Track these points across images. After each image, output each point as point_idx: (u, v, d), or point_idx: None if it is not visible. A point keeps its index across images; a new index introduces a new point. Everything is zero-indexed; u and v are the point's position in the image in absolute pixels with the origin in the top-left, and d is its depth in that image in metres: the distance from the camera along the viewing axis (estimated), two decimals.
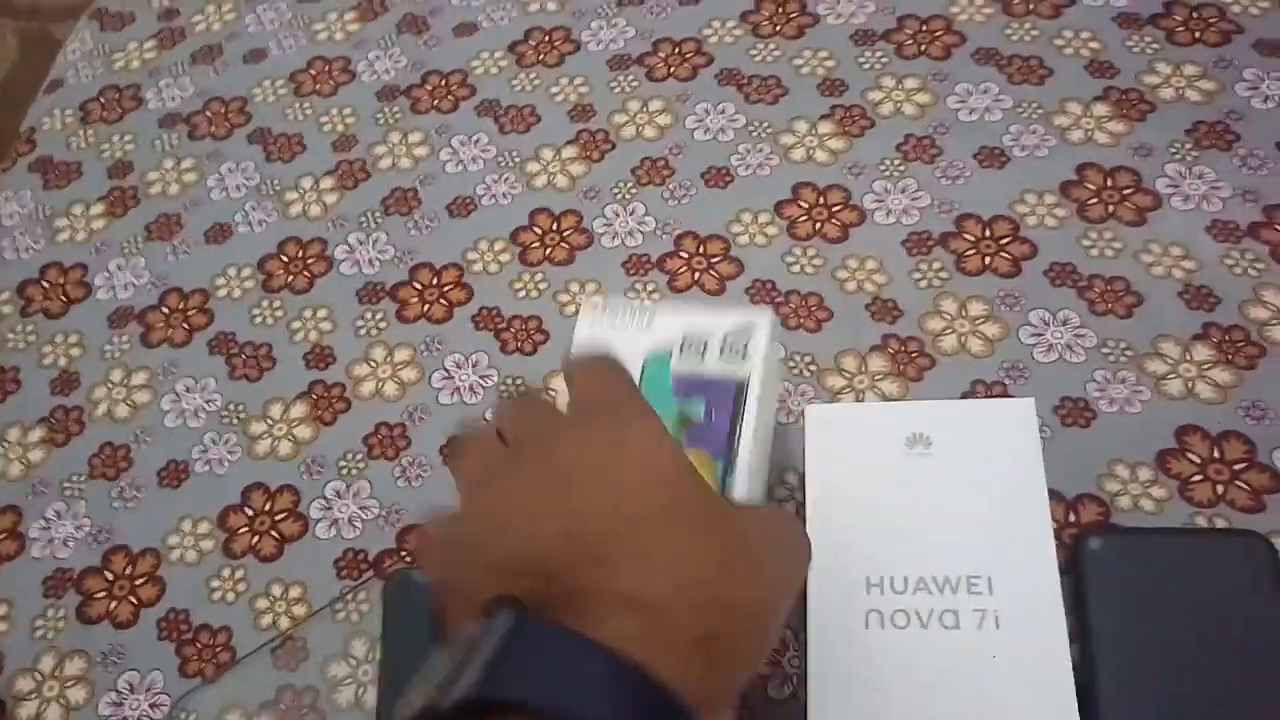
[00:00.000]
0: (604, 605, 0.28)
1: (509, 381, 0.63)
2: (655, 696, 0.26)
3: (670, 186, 0.69)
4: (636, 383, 0.40)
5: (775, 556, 0.34)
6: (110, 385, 0.68)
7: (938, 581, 0.47)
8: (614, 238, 0.68)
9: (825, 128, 0.71)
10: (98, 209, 0.77)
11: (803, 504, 0.51)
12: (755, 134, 0.71)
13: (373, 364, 0.65)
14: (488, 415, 0.62)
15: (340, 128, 0.77)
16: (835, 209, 0.67)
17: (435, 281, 0.68)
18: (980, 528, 0.47)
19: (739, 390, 0.45)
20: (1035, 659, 0.44)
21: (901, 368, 0.60)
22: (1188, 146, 0.65)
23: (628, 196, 0.70)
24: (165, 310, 0.70)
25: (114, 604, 0.59)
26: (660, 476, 0.31)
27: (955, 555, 0.47)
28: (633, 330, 0.47)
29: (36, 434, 0.67)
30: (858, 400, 0.58)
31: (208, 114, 0.80)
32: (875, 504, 0.49)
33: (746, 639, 0.30)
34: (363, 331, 0.67)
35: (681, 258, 0.66)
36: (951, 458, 0.50)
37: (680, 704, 0.26)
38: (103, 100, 0.83)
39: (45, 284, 0.74)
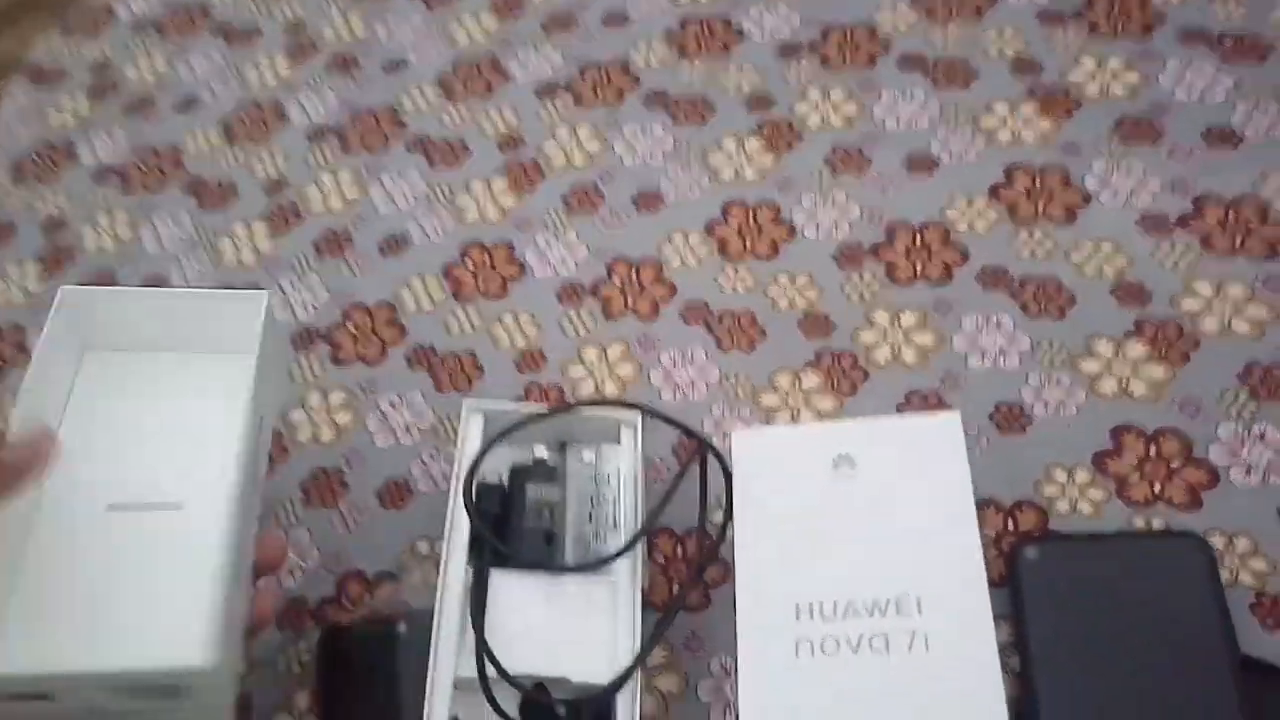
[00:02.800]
0: None
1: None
2: None
3: (602, 213, 0.69)
4: None
5: None
6: None
7: (866, 605, 0.46)
8: (546, 267, 0.68)
9: (753, 144, 0.70)
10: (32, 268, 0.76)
11: (724, 531, 0.51)
12: (683, 155, 0.70)
13: (309, 410, 0.65)
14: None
15: (271, 171, 0.76)
16: (765, 226, 0.66)
17: (369, 322, 0.68)
18: (907, 547, 0.47)
19: None
20: (967, 678, 0.44)
21: (836, 383, 0.59)
22: (1114, 142, 0.65)
23: (560, 225, 0.69)
24: None
25: None
26: None
27: (883, 577, 0.46)
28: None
29: None
30: (793, 419, 0.58)
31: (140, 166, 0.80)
32: (803, 529, 0.48)
33: None
34: (298, 378, 0.66)
35: (615, 284, 0.66)
36: (877, 478, 0.49)
37: None
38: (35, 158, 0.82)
39: None
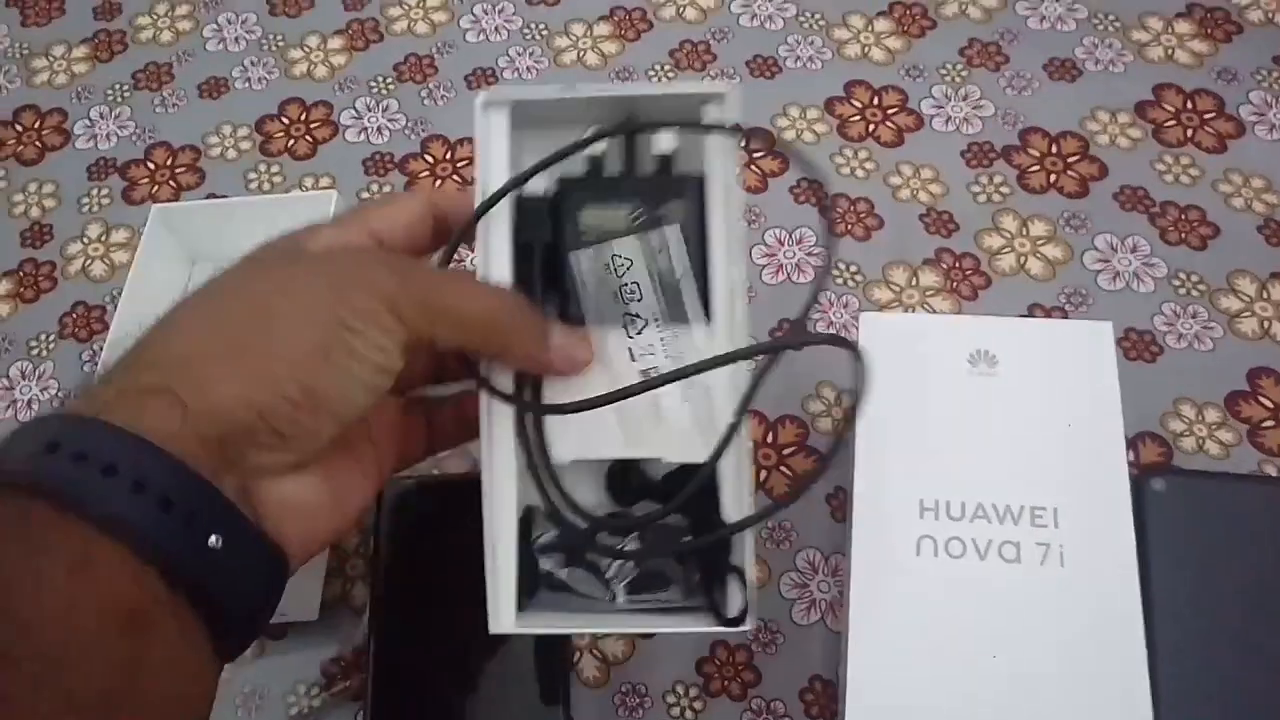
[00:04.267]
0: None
1: None
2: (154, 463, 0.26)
3: (430, 85, 0.66)
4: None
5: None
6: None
7: (998, 510, 0.42)
8: (359, 133, 0.64)
9: (882, 24, 0.65)
10: (80, 51, 0.70)
11: (843, 421, 0.47)
12: (805, 25, 0.65)
13: (85, 240, 0.62)
14: None
15: None
16: (890, 111, 0.61)
17: (169, 162, 0.64)
18: (1047, 456, 0.43)
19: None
20: (1102, 602, 0.40)
21: (955, 285, 0.55)
22: (1275, 74, 0.61)
23: (384, 92, 0.66)
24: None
25: None
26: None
27: (1018, 484, 0.43)
28: None
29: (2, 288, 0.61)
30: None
31: None
32: (932, 423, 0.45)
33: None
34: (85, 209, 0.63)
35: (426, 161, 0.62)
36: (1019, 379, 0.45)
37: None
38: None
39: (19, 127, 0.67)
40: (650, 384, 0.31)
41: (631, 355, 0.35)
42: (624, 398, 0.32)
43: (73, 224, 0.62)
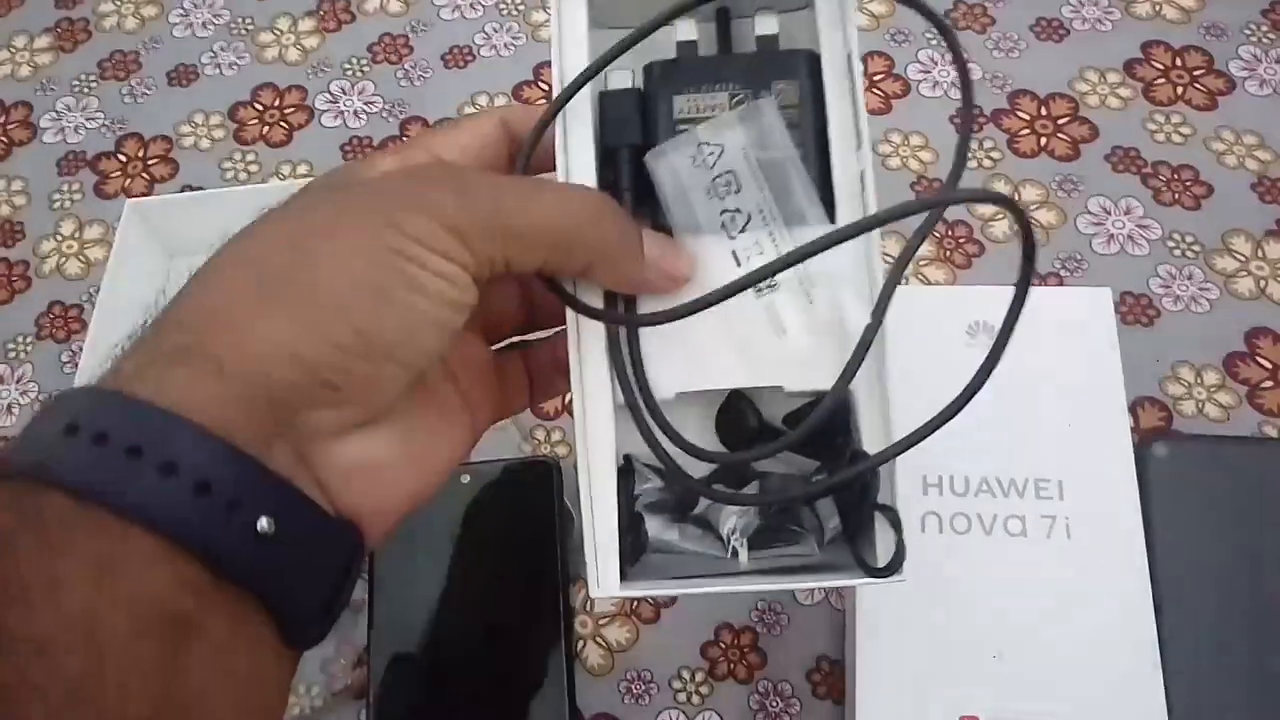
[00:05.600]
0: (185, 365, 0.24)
1: None
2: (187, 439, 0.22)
3: (405, 66, 0.64)
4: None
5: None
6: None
7: (1002, 484, 0.42)
8: (336, 117, 0.63)
9: None
10: (43, 42, 0.68)
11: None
12: None
13: (59, 238, 0.60)
14: None
15: None
16: (876, 79, 0.60)
17: (141, 154, 0.63)
18: (1050, 427, 0.43)
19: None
20: (1110, 573, 0.40)
21: (948, 253, 0.54)
22: (1264, 28, 0.60)
23: (359, 74, 0.64)
24: None
25: None
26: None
27: (1022, 456, 0.42)
28: None
29: None
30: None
31: None
32: (932, 397, 0.44)
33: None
34: (57, 205, 0.62)
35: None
36: (1018, 349, 0.44)
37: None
38: None
39: None
40: (764, 272, 0.26)
41: (736, 259, 0.29)
42: (732, 294, 0.26)
43: (45, 221, 0.61)
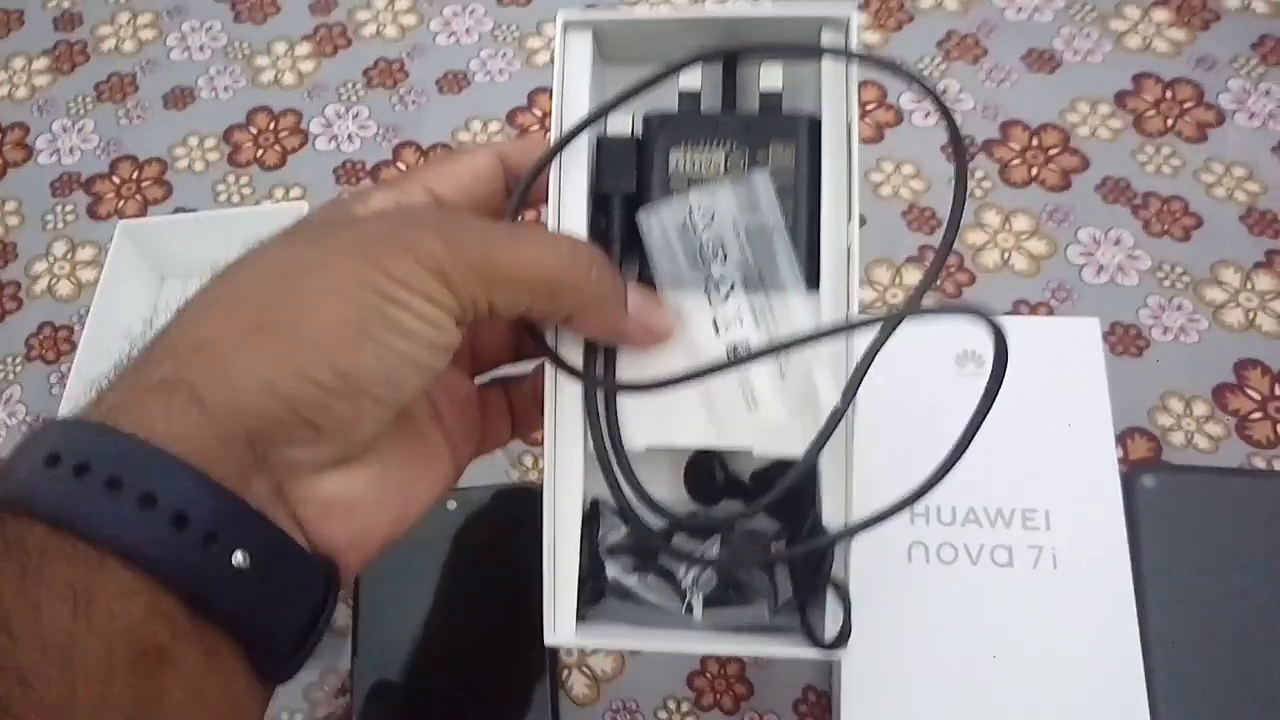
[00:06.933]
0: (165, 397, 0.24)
1: None
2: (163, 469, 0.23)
3: (400, 91, 0.64)
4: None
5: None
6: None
7: (989, 514, 0.42)
8: (330, 141, 0.63)
9: (859, 18, 0.64)
10: (41, 64, 0.68)
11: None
12: None
13: (51, 259, 0.61)
14: None
15: (65, 4, 0.71)
16: (869, 109, 0.61)
17: (135, 176, 0.63)
18: (1038, 458, 0.43)
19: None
20: (1098, 603, 0.40)
21: (939, 282, 0.54)
22: (1254, 61, 0.60)
23: (354, 98, 0.65)
24: None
25: None
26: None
27: (1009, 486, 0.42)
28: None
29: None
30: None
31: None
32: (920, 427, 0.44)
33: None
34: (49, 226, 0.62)
35: (399, 169, 0.60)
36: (1007, 379, 0.44)
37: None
38: None
39: None
40: (743, 359, 0.27)
41: (716, 326, 0.30)
42: (709, 375, 0.27)
43: (37, 242, 0.61)
